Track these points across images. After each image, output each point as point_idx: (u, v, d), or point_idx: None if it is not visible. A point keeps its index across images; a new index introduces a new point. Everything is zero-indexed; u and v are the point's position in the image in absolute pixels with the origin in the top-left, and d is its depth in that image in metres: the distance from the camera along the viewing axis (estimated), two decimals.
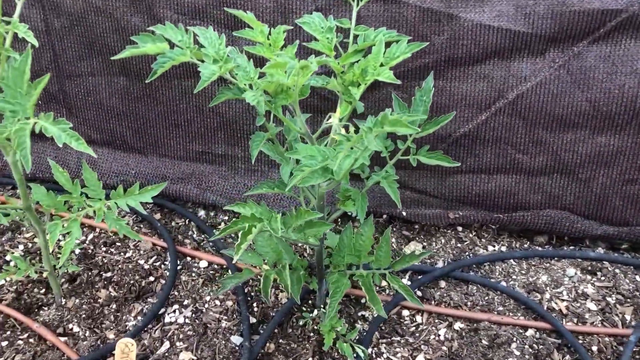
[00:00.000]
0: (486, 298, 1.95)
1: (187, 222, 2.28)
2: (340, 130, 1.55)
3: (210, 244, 2.19)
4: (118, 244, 2.19)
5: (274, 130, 1.68)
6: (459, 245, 2.14)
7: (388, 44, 1.51)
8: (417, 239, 2.16)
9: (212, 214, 2.31)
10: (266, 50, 1.50)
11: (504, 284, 2.00)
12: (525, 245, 2.13)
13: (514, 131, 2.03)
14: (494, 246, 2.13)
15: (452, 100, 2.02)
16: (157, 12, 2.07)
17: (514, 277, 2.02)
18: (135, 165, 2.39)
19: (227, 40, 2.04)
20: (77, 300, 1.99)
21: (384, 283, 1.88)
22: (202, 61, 1.39)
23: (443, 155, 1.68)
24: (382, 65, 1.51)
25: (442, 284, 2.01)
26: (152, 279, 2.06)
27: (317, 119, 2.15)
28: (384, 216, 2.23)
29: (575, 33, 1.85)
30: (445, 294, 1.96)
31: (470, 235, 2.17)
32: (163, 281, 2.06)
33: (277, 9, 1.97)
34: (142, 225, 2.27)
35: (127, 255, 2.15)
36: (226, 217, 2.29)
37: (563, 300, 1.94)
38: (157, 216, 2.30)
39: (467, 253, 2.11)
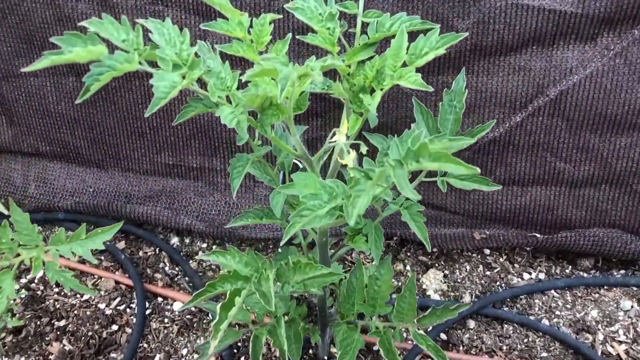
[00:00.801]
0: (525, 341, 1.60)
1: (157, 252, 1.88)
2: (349, 152, 1.16)
3: (187, 279, 1.81)
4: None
5: (260, 152, 1.28)
6: (487, 273, 1.77)
7: (410, 36, 1.12)
8: (437, 265, 1.79)
9: (187, 240, 1.92)
10: (247, 48, 1.10)
11: (546, 322, 1.64)
12: (568, 271, 1.77)
13: (555, 135, 1.65)
14: (530, 273, 1.76)
15: (479, 98, 1.64)
16: None
17: (558, 312, 1.66)
18: (93, 181, 1.99)
19: (198, 33, 1.63)
20: (23, 359, 1.60)
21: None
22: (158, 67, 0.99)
23: (481, 177, 1.30)
24: (404, 65, 1.11)
25: (472, 323, 1.65)
26: (115, 327, 1.68)
27: (313, 123, 1.76)
28: (395, 238, 1.86)
29: (637, 13, 1.47)
30: (475, 337, 1.60)
31: (501, 259, 1.80)
32: (129, 330, 1.68)
33: None
34: (102, 258, 1.87)
35: (85, 297, 1.76)
36: (205, 245, 1.90)
37: (620, 341, 1.59)
38: (121, 245, 1.90)
39: (498, 283, 1.74)
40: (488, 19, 1.52)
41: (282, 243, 1.04)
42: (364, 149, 1.21)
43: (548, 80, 1.59)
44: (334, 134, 1.21)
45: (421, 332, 1.35)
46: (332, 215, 1.11)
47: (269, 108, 1.07)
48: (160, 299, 1.75)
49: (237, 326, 1.64)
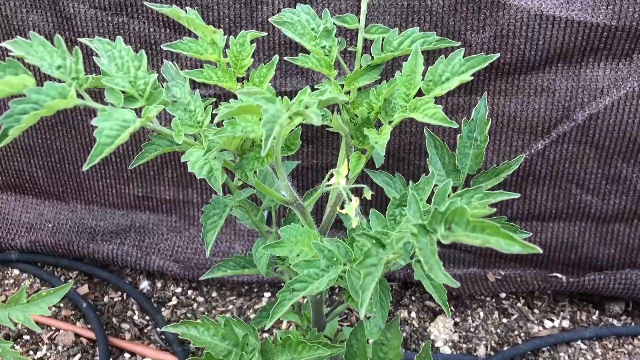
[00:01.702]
0: None
1: (124, 298, 1.64)
2: (350, 198, 0.93)
3: (158, 330, 1.56)
4: (26, 337, 1.54)
5: (240, 197, 1.05)
6: (504, 320, 1.55)
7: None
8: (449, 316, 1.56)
9: (159, 284, 1.68)
10: (222, 74, 0.87)
11: None
12: (595, 317, 1.55)
13: (582, 164, 1.44)
14: (552, 320, 1.55)
15: (495, 123, 1.43)
16: (65, 7, 1.42)
17: None
18: (52, 215, 1.75)
19: (167, 52, 1.40)
20: None
21: None
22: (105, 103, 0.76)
23: (508, 223, 1.07)
24: (420, 93, 0.89)
25: None
26: None
27: (304, 150, 1.53)
28: (397, 280, 1.63)
29: None
30: None
31: (518, 304, 1.58)
32: None
33: None
34: (61, 305, 1.62)
35: (39, 354, 1.51)
36: (179, 289, 1.66)
37: None
38: (84, 290, 1.66)
39: (516, 332, 1.52)
40: (507, 32, 1.31)
41: (267, 327, 0.81)
42: (368, 194, 0.99)
43: (575, 103, 1.38)
44: (332, 175, 0.99)
45: None
46: (331, 281, 0.88)
47: (251, 150, 0.85)
48: (127, 355, 1.51)
49: None
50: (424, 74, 0.90)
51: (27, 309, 1.07)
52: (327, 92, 0.72)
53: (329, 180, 1.00)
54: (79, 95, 0.74)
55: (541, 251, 0.59)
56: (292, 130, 0.90)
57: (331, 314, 1.23)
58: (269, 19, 0.99)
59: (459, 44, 0.94)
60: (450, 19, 1.32)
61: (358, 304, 0.78)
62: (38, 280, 1.69)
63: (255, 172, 0.92)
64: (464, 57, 0.89)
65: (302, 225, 0.98)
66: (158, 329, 1.57)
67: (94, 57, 0.80)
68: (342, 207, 0.98)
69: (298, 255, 0.90)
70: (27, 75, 0.69)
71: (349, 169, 0.99)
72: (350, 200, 0.95)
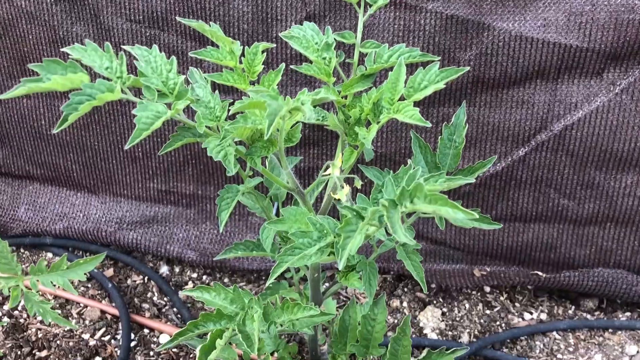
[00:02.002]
0: None
1: (145, 281, 1.83)
2: (342, 185, 1.11)
3: (175, 310, 1.74)
4: (58, 311, 1.73)
5: (251, 183, 1.23)
6: (487, 311, 1.70)
7: (410, 68, 1.08)
8: (435, 302, 1.73)
9: (177, 270, 1.86)
10: (238, 78, 1.06)
11: None
12: (571, 312, 1.70)
13: (559, 171, 1.60)
14: (531, 313, 1.70)
15: (480, 132, 1.59)
16: (105, 20, 1.62)
17: (560, 356, 1.60)
18: (83, 206, 1.94)
19: (193, 59, 1.59)
20: None
21: None
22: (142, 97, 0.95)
23: (482, 215, 1.24)
24: (402, 98, 1.07)
25: None
26: (99, 359, 1.61)
27: (309, 152, 1.71)
28: (392, 273, 1.79)
29: None
30: None
31: (501, 298, 1.74)
32: None
33: (257, 16, 1.53)
34: (89, 285, 1.81)
35: (68, 327, 1.69)
36: (195, 275, 1.84)
37: None
38: (109, 272, 1.85)
39: (498, 322, 1.67)
40: (491, 51, 1.48)
41: (268, 282, 0.98)
42: (358, 183, 1.16)
43: (552, 115, 1.54)
44: (328, 166, 1.16)
45: None
46: (322, 254, 1.06)
47: (259, 140, 1.03)
48: (146, 331, 1.69)
49: None
50: (406, 82, 1.07)
51: (67, 274, 1.25)
52: (320, 92, 0.90)
53: (325, 170, 1.18)
54: (122, 92, 0.93)
55: (477, 216, 0.76)
56: (294, 125, 1.07)
57: (327, 292, 1.39)
58: (280, 34, 1.17)
59: (439, 58, 1.12)
60: (440, 38, 1.49)
61: (341, 260, 0.95)
62: (69, 263, 1.88)
63: (263, 161, 1.10)
64: (440, 69, 1.06)
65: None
66: (175, 309, 1.74)
67: (134, 61, 0.99)
68: (335, 193, 1.15)
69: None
70: (83, 74, 0.88)
71: (342, 162, 1.16)
72: (342, 187, 1.13)
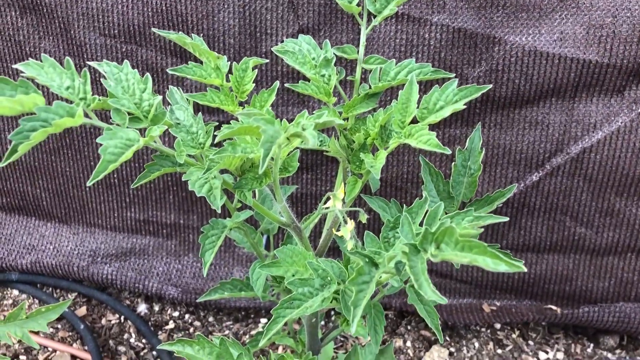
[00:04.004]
0: None
1: (122, 321, 1.65)
2: (345, 222, 0.96)
3: (154, 354, 1.57)
4: (22, 357, 1.55)
5: (239, 218, 1.08)
6: (499, 351, 1.56)
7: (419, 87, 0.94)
8: (441, 341, 1.57)
9: (156, 308, 1.69)
10: (224, 98, 0.91)
11: None
12: (589, 350, 1.56)
13: (576, 197, 1.47)
14: (546, 352, 1.55)
15: (491, 155, 1.46)
16: (77, 35, 1.47)
17: None
18: (53, 237, 1.77)
19: (174, 78, 1.44)
20: None
21: None
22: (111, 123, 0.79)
23: (500, 251, 1.10)
24: (415, 120, 0.93)
25: None
26: None
27: (303, 177, 1.56)
28: (393, 308, 1.64)
29: None
30: None
31: (513, 335, 1.59)
32: None
33: (244, 30, 1.38)
34: (59, 327, 1.63)
35: None
36: (176, 313, 1.67)
37: None
38: (82, 312, 1.67)
39: None
40: (502, 67, 1.35)
41: (261, 344, 0.82)
42: (363, 217, 1.02)
43: (569, 137, 1.41)
44: (328, 198, 1.02)
45: None
46: (325, 302, 0.90)
47: (250, 171, 0.88)
48: None
49: None
50: (418, 102, 0.93)
51: (26, 324, 1.09)
52: (323, 115, 0.76)
53: (325, 203, 1.03)
54: (86, 115, 0.78)
55: (525, 269, 0.61)
56: (290, 152, 0.93)
57: (326, 339, 1.24)
58: (272, 49, 1.03)
59: (453, 75, 0.98)
60: (447, 53, 1.36)
61: (349, 314, 0.80)
62: (37, 301, 1.70)
63: (254, 194, 0.95)
64: (458, 87, 0.92)
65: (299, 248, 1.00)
66: (154, 353, 1.58)
67: (102, 80, 0.84)
68: (337, 230, 1.01)
69: (294, 275, 0.92)
70: (37, 95, 0.73)
71: (345, 193, 1.01)
72: (346, 222, 0.98)
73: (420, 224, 0.92)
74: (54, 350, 1.58)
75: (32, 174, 1.72)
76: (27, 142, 0.71)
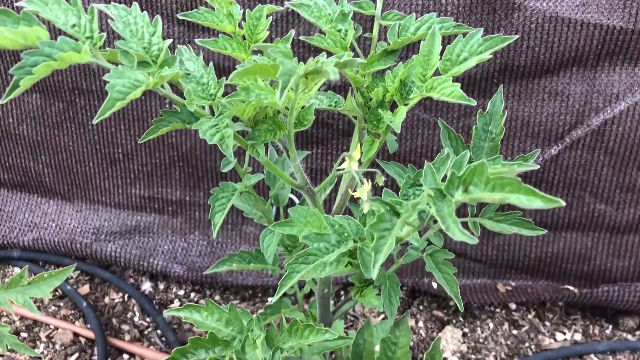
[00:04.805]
0: None
1: (125, 299, 1.61)
2: (362, 182, 0.91)
3: (158, 332, 1.53)
4: (24, 334, 1.51)
5: (250, 180, 1.03)
6: (514, 331, 1.51)
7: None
8: (455, 322, 1.53)
9: (161, 286, 1.64)
10: (237, 46, 0.86)
11: None
12: (608, 332, 1.51)
13: (596, 172, 1.42)
14: (563, 333, 1.50)
15: (508, 127, 1.41)
16: None
17: None
18: (56, 215, 1.73)
19: (184, 31, 1.40)
20: None
21: None
22: (118, 64, 0.75)
23: (522, 218, 1.05)
24: (437, 73, 0.88)
25: None
26: None
27: (313, 152, 1.52)
28: (405, 288, 1.59)
29: None
30: None
31: (529, 316, 1.54)
32: None
33: None
34: (61, 305, 1.59)
35: (37, 351, 1.47)
36: (182, 292, 1.63)
37: None
38: (84, 290, 1.63)
39: (527, 344, 1.48)
40: (521, 34, 1.30)
41: (274, 299, 0.78)
42: (381, 179, 0.97)
43: (589, 108, 1.36)
44: (343, 159, 0.97)
45: None
46: (338, 264, 0.86)
47: (264, 122, 0.83)
48: (126, 356, 1.47)
49: None
50: (441, 55, 0.89)
51: (27, 291, 1.04)
52: (344, 55, 0.71)
53: (340, 164, 0.99)
54: (92, 55, 0.73)
55: (564, 203, 0.57)
56: (304, 107, 0.88)
57: (338, 312, 1.19)
58: (287, 3, 0.98)
59: (479, 29, 0.93)
60: (464, 20, 1.31)
61: (369, 269, 0.75)
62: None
63: (266, 151, 0.90)
64: (483, 37, 0.88)
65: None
66: (158, 331, 1.53)
67: (109, 21, 0.79)
68: (354, 191, 0.96)
69: None
70: (40, 28, 0.68)
71: (361, 153, 0.97)
72: (362, 183, 0.93)
73: (443, 180, 0.87)
74: (56, 328, 1.53)
75: (34, 148, 1.68)
76: (29, 77, 0.66)
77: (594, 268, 1.52)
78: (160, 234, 1.69)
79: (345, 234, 0.81)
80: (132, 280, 1.65)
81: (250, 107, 0.79)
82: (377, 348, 1.14)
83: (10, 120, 1.64)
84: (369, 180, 0.95)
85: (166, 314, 0.95)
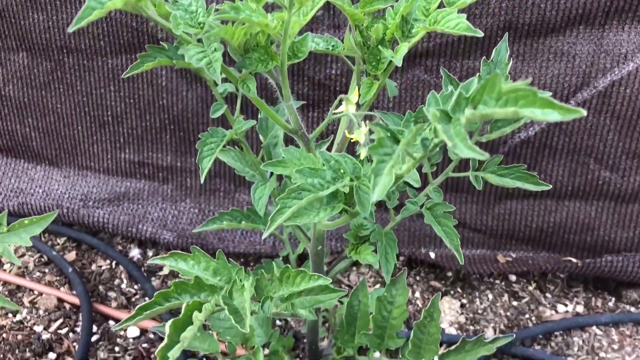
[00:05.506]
0: None
1: (113, 266, 1.56)
2: (359, 125, 0.87)
3: (146, 299, 1.47)
4: (7, 298, 1.45)
5: (241, 126, 0.98)
6: (514, 303, 1.46)
7: None
8: (453, 293, 1.48)
9: (150, 253, 1.59)
10: None
11: None
12: (611, 304, 1.46)
13: (601, 137, 1.37)
14: (565, 305, 1.46)
15: None
16: None
17: (602, 354, 1.36)
18: (43, 181, 1.68)
19: None
20: None
21: None
22: None
23: (526, 172, 1.00)
24: (441, 6, 0.83)
25: None
26: (52, 356, 1.34)
27: (307, 115, 1.47)
28: (402, 258, 1.54)
29: None
30: None
31: (529, 288, 1.50)
32: None
33: None
34: (46, 271, 1.54)
35: (19, 317, 1.42)
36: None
37: None
38: (71, 256, 1.58)
39: (527, 316, 1.43)
40: None
41: (264, 235, 0.73)
42: (378, 130, 0.92)
43: (596, 69, 1.32)
44: (340, 102, 0.92)
45: None
46: (332, 209, 0.81)
47: (255, 50, 0.78)
48: (112, 323, 1.42)
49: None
50: None
51: (7, 238, 0.98)
52: None
53: (337, 107, 0.94)
54: None
55: (585, 113, 0.52)
56: (298, 39, 0.83)
57: (332, 270, 1.14)
58: None
59: None
60: None
61: (366, 207, 0.70)
62: (23, 246, 1.60)
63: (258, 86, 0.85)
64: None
65: None
66: (146, 299, 1.48)
67: None
68: (351, 133, 0.91)
69: None
70: None
71: (359, 95, 0.92)
72: (359, 126, 0.88)
73: None
74: (40, 293, 1.48)
75: (20, 110, 1.62)
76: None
77: (597, 239, 1.47)
78: (150, 201, 1.63)
79: (342, 171, 0.76)
80: (120, 247, 1.60)
81: (240, 31, 0.74)
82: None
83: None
84: (365, 122, 0.90)
85: (149, 262, 0.90)
